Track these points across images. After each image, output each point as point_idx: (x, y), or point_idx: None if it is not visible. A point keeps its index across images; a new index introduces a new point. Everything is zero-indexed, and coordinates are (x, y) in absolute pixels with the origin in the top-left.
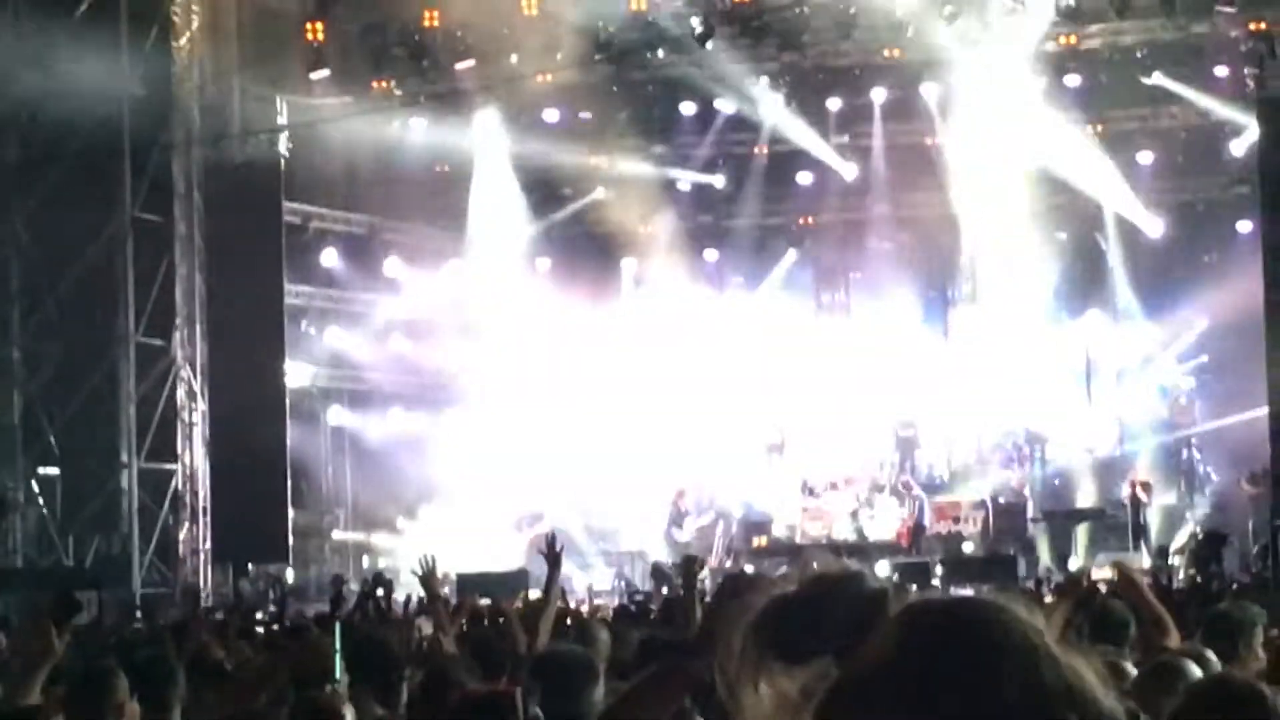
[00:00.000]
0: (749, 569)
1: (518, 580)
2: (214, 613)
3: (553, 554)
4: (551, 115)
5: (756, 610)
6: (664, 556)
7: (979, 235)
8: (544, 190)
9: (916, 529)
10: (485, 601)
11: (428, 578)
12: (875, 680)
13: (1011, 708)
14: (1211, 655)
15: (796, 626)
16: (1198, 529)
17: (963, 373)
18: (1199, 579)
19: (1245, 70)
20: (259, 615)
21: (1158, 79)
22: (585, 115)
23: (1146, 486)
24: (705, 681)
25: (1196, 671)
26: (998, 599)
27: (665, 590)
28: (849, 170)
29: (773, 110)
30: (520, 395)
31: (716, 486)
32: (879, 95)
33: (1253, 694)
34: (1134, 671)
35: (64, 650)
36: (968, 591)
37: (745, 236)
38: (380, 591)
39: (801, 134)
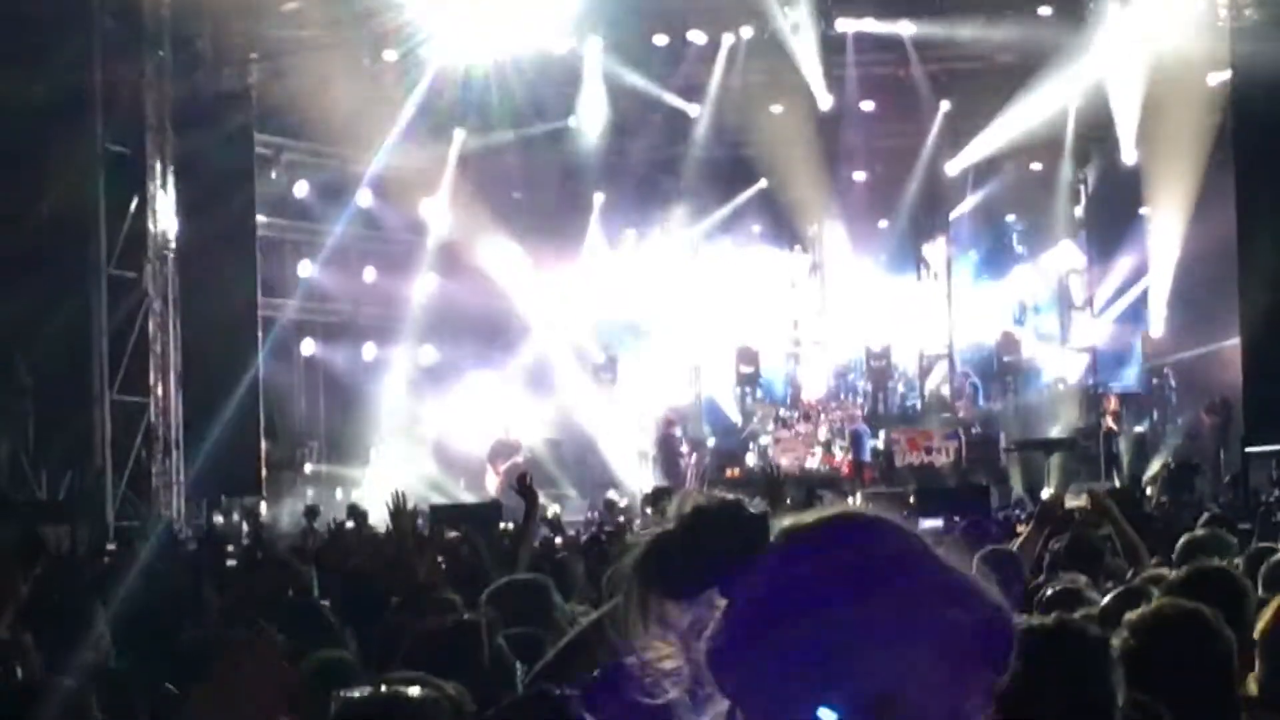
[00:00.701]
0: None
1: (492, 511)
2: (187, 545)
3: (525, 489)
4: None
5: (639, 550)
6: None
7: (954, 166)
8: (524, 114)
9: (857, 465)
10: (453, 535)
11: (397, 514)
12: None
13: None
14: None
15: (679, 561)
16: (1170, 459)
17: (935, 303)
18: (1171, 508)
19: (1219, 2)
20: (230, 548)
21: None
22: (560, 53)
23: (1117, 416)
24: None
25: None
26: (870, 513)
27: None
28: (824, 100)
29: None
30: (497, 327)
31: (690, 416)
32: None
33: (1196, 619)
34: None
35: (29, 590)
36: (936, 522)
37: (715, 167)
38: (352, 523)
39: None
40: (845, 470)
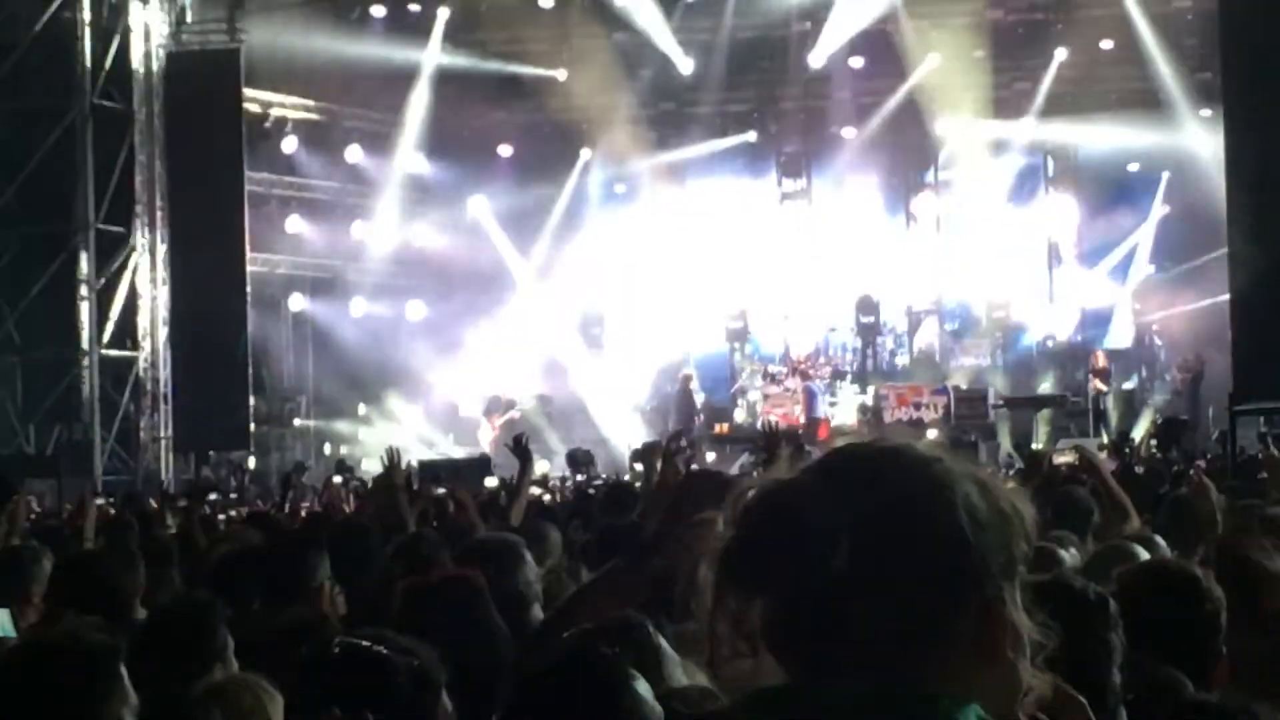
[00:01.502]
0: (711, 456)
1: (481, 467)
2: (176, 500)
3: (520, 449)
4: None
5: (718, 546)
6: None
7: (943, 123)
8: (504, 78)
9: (810, 422)
10: (441, 491)
11: (390, 471)
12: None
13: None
14: (1160, 541)
15: (755, 563)
16: (1158, 415)
17: (925, 259)
18: (1161, 464)
19: None
20: (213, 497)
21: None
22: (546, 4)
23: (1105, 373)
24: (661, 579)
25: (1144, 555)
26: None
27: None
28: (817, 58)
29: None
30: (487, 284)
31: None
32: None
33: (1186, 577)
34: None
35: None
36: None
37: (707, 124)
38: (340, 478)
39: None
40: (798, 426)
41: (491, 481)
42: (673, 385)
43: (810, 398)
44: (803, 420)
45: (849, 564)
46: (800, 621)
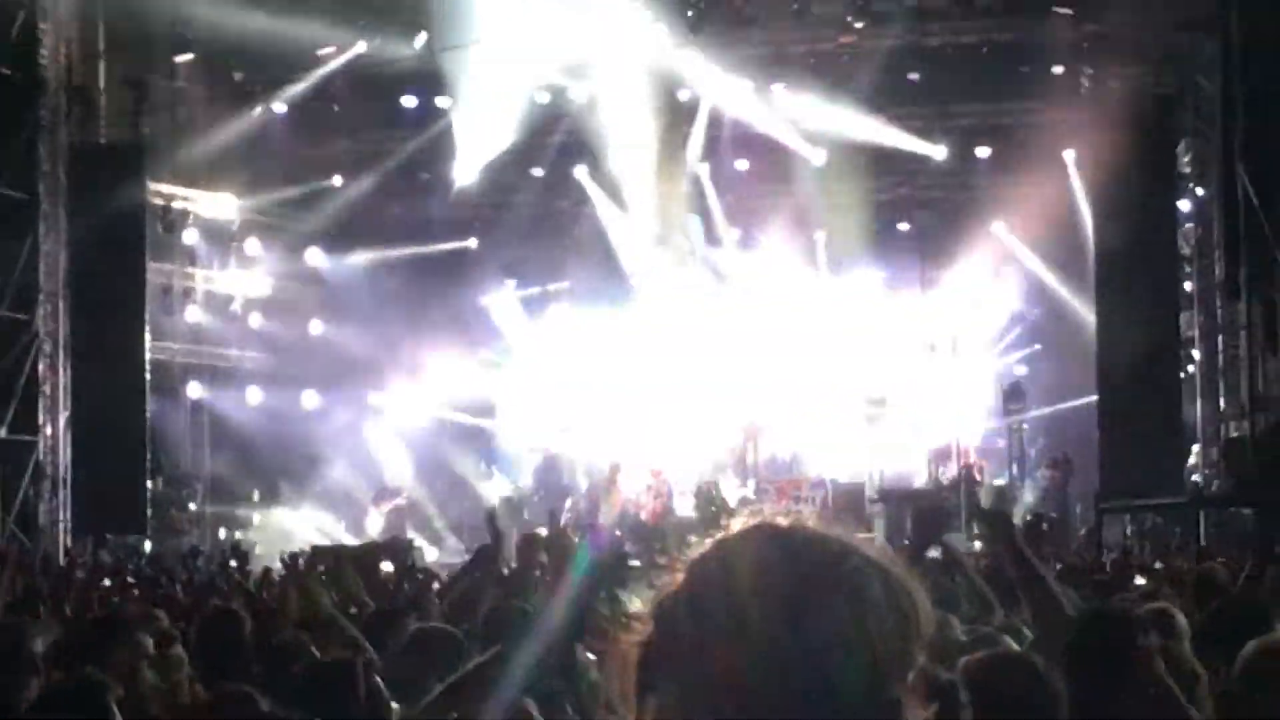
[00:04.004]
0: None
1: (369, 551)
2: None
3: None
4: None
5: (639, 642)
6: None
7: (828, 226)
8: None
9: (665, 510)
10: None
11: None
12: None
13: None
14: (1026, 630)
15: (672, 661)
16: (1026, 514)
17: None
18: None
19: (1081, 69)
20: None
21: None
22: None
23: (980, 469)
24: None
25: (1012, 645)
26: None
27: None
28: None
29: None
30: (374, 377)
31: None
32: None
33: (1026, 665)
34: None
35: None
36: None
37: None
38: (235, 563)
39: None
40: (653, 517)
41: (388, 567)
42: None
43: (668, 491)
44: (660, 509)
45: (754, 664)
46: (711, 716)
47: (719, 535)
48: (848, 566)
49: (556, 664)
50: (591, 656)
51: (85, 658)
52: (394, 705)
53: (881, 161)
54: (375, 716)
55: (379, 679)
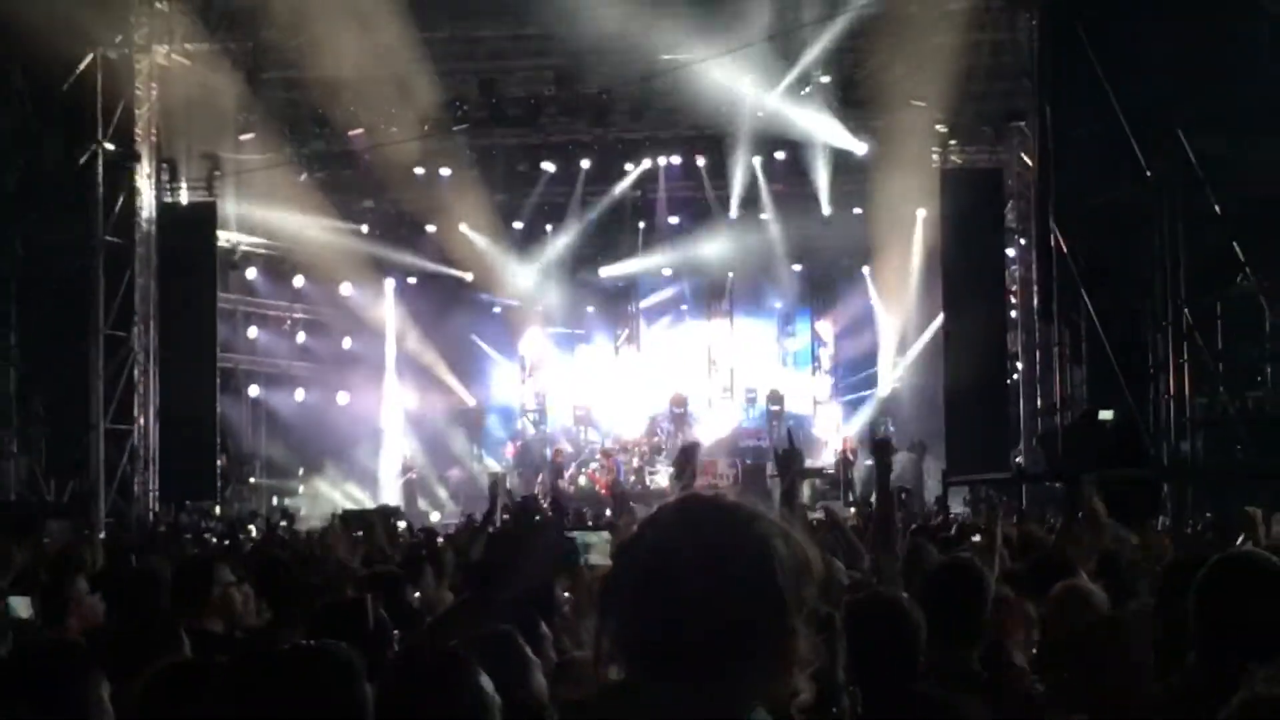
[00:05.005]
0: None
1: (390, 514)
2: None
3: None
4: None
5: (600, 578)
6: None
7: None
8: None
9: (615, 485)
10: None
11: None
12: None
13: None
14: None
15: (623, 592)
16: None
17: (727, 364)
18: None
19: (932, 149)
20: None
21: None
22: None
23: (855, 451)
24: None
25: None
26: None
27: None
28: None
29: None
30: (391, 380)
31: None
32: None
33: (893, 601)
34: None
35: (23, 560)
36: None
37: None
38: (284, 523)
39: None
40: (606, 491)
41: (401, 524)
42: (528, 455)
43: (617, 467)
44: (609, 482)
45: (688, 598)
46: (649, 637)
47: (663, 502)
48: (759, 527)
49: (535, 599)
50: (566, 595)
51: (195, 588)
52: (395, 632)
53: (781, 217)
54: (381, 642)
55: (384, 613)
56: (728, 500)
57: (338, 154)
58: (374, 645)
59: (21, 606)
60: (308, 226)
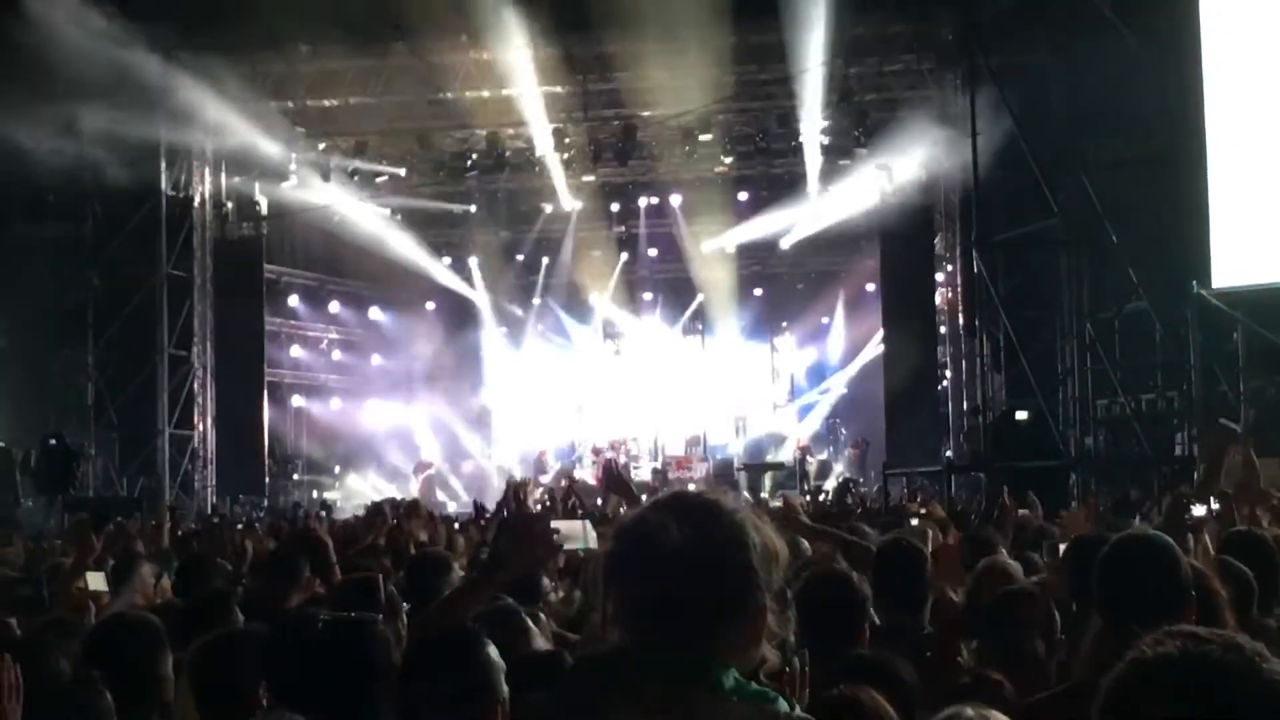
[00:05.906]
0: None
1: (411, 508)
2: (214, 518)
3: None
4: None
5: (603, 555)
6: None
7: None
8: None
9: (607, 473)
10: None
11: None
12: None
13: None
14: (843, 562)
15: (621, 568)
16: (839, 477)
17: (696, 379)
18: (837, 509)
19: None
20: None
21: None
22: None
23: (808, 449)
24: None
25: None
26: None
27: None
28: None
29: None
30: (413, 391)
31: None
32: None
33: (843, 578)
34: None
35: (101, 547)
36: None
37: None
38: (323, 513)
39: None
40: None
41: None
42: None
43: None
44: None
45: (678, 574)
46: (642, 607)
47: (655, 496)
48: (737, 518)
49: (519, 586)
50: (549, 583)
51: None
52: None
53: (744, 249)
54: (390, 615)
55: (393, 589)
56: (712, 495)
57: (369, 197)
58: (385, 618)
59: (98, 581)
60: (344, 258)
